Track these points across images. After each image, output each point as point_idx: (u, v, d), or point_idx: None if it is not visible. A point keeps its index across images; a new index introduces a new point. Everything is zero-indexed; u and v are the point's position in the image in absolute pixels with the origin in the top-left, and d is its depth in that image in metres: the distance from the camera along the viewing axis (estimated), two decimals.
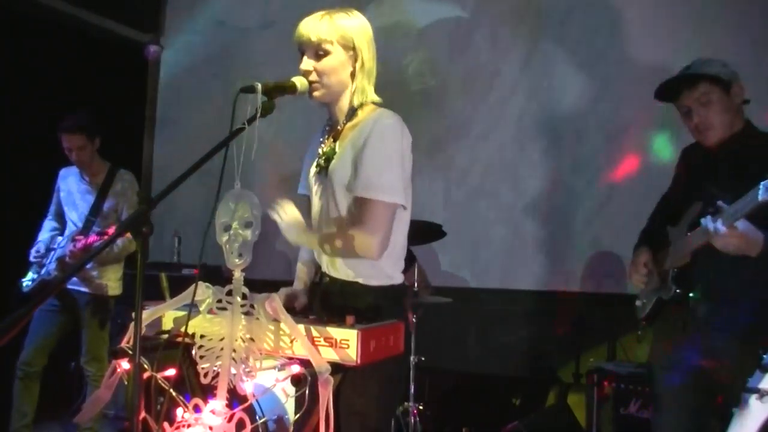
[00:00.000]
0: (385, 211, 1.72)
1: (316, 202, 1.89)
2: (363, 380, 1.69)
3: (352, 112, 1.83)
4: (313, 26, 1.77)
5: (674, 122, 3.56)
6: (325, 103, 1.86)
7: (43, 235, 3.56)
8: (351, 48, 1.79)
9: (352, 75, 1.81)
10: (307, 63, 1.79)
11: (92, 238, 3.30)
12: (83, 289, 3.45)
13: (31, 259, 3.47)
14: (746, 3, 3.48)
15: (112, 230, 3.21)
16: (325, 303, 1.87)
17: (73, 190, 3.56)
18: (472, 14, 4.27)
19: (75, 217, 3.51)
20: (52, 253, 3.45)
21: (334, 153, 1.82)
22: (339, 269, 1.83)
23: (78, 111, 3.52)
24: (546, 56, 4.04)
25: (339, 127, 1.85)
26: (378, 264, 1.78)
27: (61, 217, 3.60)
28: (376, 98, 1.86)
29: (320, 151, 1.88)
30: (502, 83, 4.14)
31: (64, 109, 3.48)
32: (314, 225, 1.90)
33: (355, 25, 1.80)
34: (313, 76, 1.78)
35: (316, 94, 1.80)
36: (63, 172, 3.64)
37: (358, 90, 1.81)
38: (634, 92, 3.73)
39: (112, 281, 3.51)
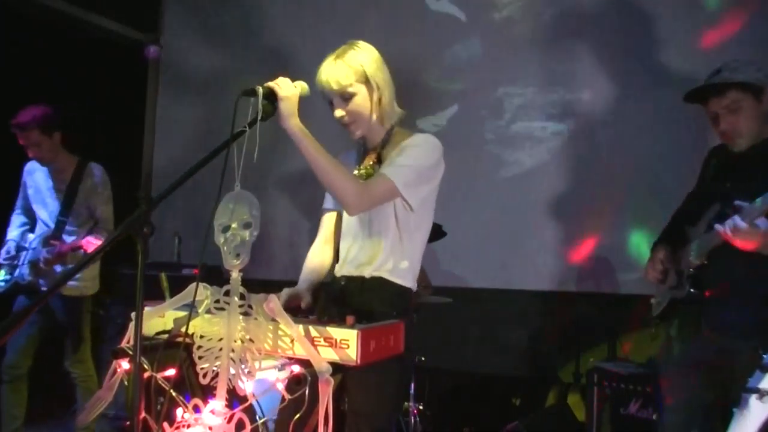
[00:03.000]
0: (385, 188, 1.82)
1: (354, 218, 1.96)
2: (371, 381, 1.73)
3: (389, 136, 1.95)
4: (331, 74, 1.87)
5: (677, 124, 3.60)
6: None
7: (12, 233, 3.40)
8: (368, 80, 1.89)
9: (379, 101, 1.92)
10: (338, 111, 1.90)
11: (66, 247, 3.14)
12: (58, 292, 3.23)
13: (1, 260, 3.31)
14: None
15: (85, 242, 3.07)
16: (341, 303, 1.89)
17: (41, 188, 3.38)
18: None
19: (45, 216, 3.34)
20: (24, 253, 3.29)
21: (377, 170, 1.91)
22: (364, 267, 1.89)
23: (32, 105, 3.27)
24: (551, 55, 4.03)
25: (380, 150, 1.96)
26: (404, 266, 1.89)
27: (29, 212, 3.43)
28: (399, 110, 1.98)
29: (362, 171, 1.96)
30: (503, 81, 4.14)
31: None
32: (351, 238, 1.97)
33: (365, 57, 1.89)
34: (347, 119, 1.90)
35: (357, 134, 1.93)
36: (29, 166, 3.42)
37: (385, 114, 1.93)
38: (639, 94, 3.74)
39: (87, 281, 3.34)
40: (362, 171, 1.96)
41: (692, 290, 2.09)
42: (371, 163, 1.95)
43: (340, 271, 1.98)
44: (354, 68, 1.86)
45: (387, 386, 1.78)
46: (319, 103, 1.93)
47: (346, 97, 1.87)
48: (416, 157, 1.86)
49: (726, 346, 2.03)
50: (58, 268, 3.24)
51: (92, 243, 3.07)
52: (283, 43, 4.82)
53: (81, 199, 3.32)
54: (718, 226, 1.87)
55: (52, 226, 3.29)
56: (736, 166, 2.09)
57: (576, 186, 3.92)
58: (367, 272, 1.89)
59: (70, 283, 3.24)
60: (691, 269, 2.11)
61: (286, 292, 1.93)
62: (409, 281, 1.91)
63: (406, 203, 1.86)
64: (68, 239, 3.24)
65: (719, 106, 2.06)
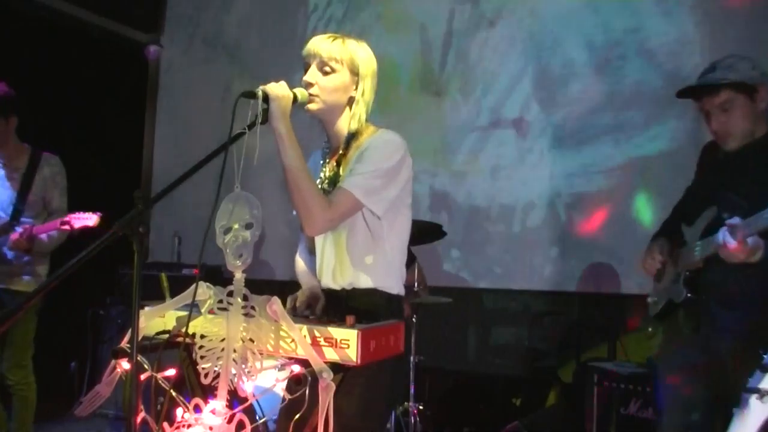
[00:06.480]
0: (347, 202, 1.73)
1: None
2: (347, 380, 1.66)
3: (351, 137, 1.85)
4: (324, 44, 1.80)
5: (675, 120, 3.60)
6: (319, 120, 1.87)
7: None
8: (356, 73, 1.82)
9: (351, 100, 1.84)
10: (311, 75, 1.79)
11: (49, 225, 2.97)
12: (10, 287, 3.03)
13: None
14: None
15: (69, 218, 2.90)
16: (334, 308, 1.86)
17: None
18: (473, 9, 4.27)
19: None
20: None
21: (339, 177, 1.83)
22: (341, 280, 1.83)
23: None
24: (549, 54, 4.03)
25: (341, 151, 1.86)
26: (385, 271, 1.82)
27: None
28: (369, 124, 1.88)
29: (323, 175, 1.90)
30: (505, 81, 4.14)
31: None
32: (318, 244, 1.90)
33: (364, 54, 1.84)
34: (315, 90, 1.79)
35: (312, 106, 1.80)
36: None
37: (355, 116, 1.83)
38: (640, 93, 3.73)
39: (41, 276, 3.10)
40: (328, 175, 1.87)
41: (689, 295, 2.08)
42: (333, 164, 1.88)
43: (320, 277, 1.90)
44: (350, 54, 1.80)
45: (365, 387, 1.70)
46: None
47: (327, 70, 1.78)
48: (375, 161, 1.74)
49: (720, 347, 2.03)
50: (10, 254, 3.03)
51: (79, 218, 2.88)
52: (283, 45, 4.82)
53: (37, 188, 3.13)
54: (717, 239, 1.86)
55: (6, 216, 3.08)
56: (731, 166, 2.08)
57: (576, 185, 3.92)
58: (347, 284, 1.83)
59: (24, 277, 3.07)
60: (687, 272, 2.11)
61: (303, 293, 1.86)
62: (394, 286, 1.83)
63: (371, 212, 1.78)
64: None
65: (711, 105, 2.04)
